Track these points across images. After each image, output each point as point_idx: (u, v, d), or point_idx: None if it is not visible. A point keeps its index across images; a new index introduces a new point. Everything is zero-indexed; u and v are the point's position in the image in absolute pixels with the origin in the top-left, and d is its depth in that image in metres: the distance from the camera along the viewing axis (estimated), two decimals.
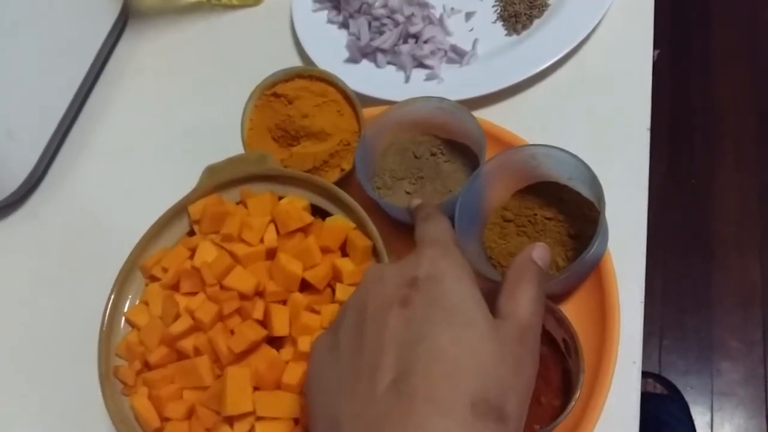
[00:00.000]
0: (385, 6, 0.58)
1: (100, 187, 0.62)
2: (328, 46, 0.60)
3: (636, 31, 0.54)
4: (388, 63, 0.58)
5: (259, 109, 0.50)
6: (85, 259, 0.58)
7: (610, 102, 0.52)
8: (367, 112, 0.54)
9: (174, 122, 0.63)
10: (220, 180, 0.47)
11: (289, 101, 0.49)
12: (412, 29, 0.57)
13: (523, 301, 0.30)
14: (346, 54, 0.59)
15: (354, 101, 0.49)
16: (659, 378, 1.16)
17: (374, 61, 0.58)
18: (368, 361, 0.28)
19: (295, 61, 0.62)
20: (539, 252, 0.32)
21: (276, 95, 0.50)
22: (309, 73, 0.50)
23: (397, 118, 0.48)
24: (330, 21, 0.62)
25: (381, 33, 0.58)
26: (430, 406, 0.25)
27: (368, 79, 0.57)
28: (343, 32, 0.61)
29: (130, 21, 0.72)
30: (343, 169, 0.49)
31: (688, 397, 1.20)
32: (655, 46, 0.55)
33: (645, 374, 0.56)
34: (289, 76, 0.50)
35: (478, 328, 0.27)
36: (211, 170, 0.48)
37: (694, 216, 1.34)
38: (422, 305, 0.28)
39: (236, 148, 0.50)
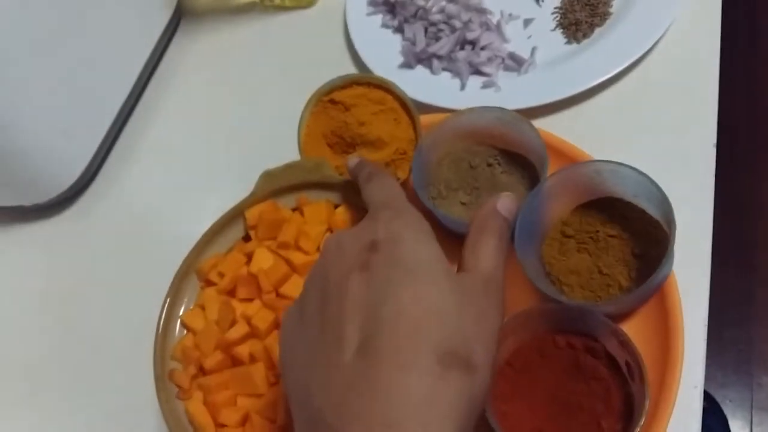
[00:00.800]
0: (442, 11, 0.57)
1: (152, 188, 0.63)
2: (383, 51, 0.60)
3: (702, 42, 0.53)
4: (444, 69, 0.57)
5: (315, 115, 0.50)
6: (136, 260, 0.58)
7: (675, 116, 0.50)
8: (422, 119, 0.54)
9: (227, 124, 0.64)
10: (277, 186, 0.47)
11: (346, 108, 0.49)
12: (470, 35, 0.56)
13: (484, 254, 0.30)
14: (400, 59, 0.59)
15: (411, 110, 0.48)
16: None
17: (429, 67, 0.57)
18: (333, 329, 0.28)
19: (349, 65, 0.62)
20: (504, 202, 0.32)
21: (333, 102, 0.49)
22: (366, 81, 0.49)
23: (455, 128, 0.47)
24: (385, 25, 0.61)
25: (437, 39, 0.57)
26: (397, 365, 0.25)
27: (423, 86, 0.56)
28: (398, 37, 0.60)
29: (182, 21, 0.72)
30: (398, 178, 0.48)
31: (727, 411, 1.18)
32: None
33: None
34: (347, 82, 0.49)
35: (439, 284, 0.27)
36: (267, 175, 0.48)
37: (736, 228, 1.30)
38: (382, 267, 0.28)
39: (291, 153, 0.50)
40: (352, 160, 0.42)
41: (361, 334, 0.27)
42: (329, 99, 0.50)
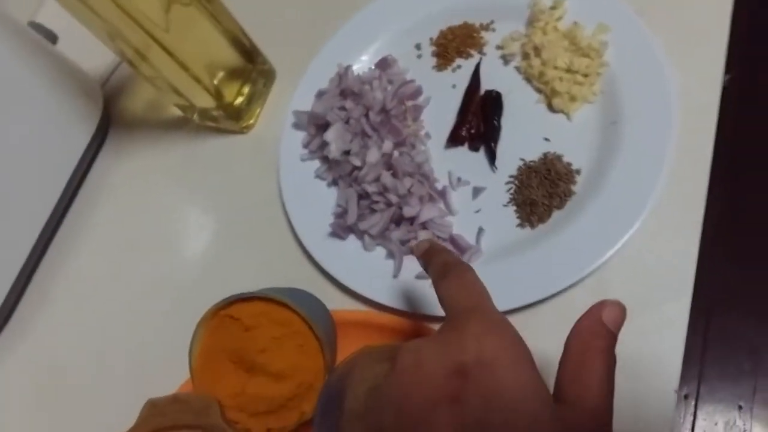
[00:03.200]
0: (377, 180, 0.49)
1: (62, 337, 0.57)
2: (313, 210, 0.52)
3: (681, 239, 0.44)
4: (378, 245, 0.49)
5: (212, 330, 0.43)
6: (47, 413, 0.53)
7: (643, 349, 0.42)
8: (342, 315, 0.47)
9: (140, 275, 0.57)
10: (160, 425, 0.41)
11: (245, 328, 0.42)
12: (407, 212, 0.48)
13: (592, 383, 0.25)
14: (331, 220, 0.51)
15: (320, 337, 0.41)
16: None
17: (362, 240, 0.50)
18: None
19: (277, 207, 0.55)
20: (611, 313, 0.27)
21: (232, 318, 0.42)
22: (270, 297, 0.42)
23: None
24: (319, 176, 0.54)
25: (372, 210, 0.49)
26: None
27: (351, 264, 0.49)
28: (332, 192, 0.53)
29: (110, 133, 0.65)
30: (303, 412, 0.42)
31: None
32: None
33: None
34: (248, 297, 0.42)
35: (543, 425, 0.23)
36: (152, 407, 0.42)
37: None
38: (475, 401, 0.24)
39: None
40: (422, 244, 0.36)
41: None
42: (228, 314, 0.43)
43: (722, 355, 1.23)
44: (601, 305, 0.27)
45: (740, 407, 1.24)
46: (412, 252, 0.38)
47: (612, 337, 0.26)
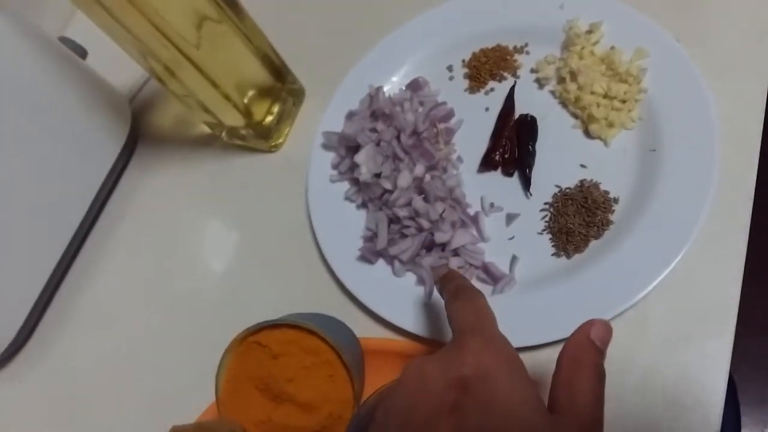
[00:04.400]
0: (408, 205, 0.48)
1: (83, 358, 0.56)
2: (342, 233, 0.51)
3: (725, 268, 0.43)
4: (408, 270, 0.48)
5: (240, 355, 0.42)
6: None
7: (682, 385, 0.41)
8: (370, 343, 0.46)
9: (167, 294, 0.56)
10: None
11: (273, 356, 0.41)
12: (439, 238, 0.47)
13: (583, 394, 0.27)
14: (360, 244, 0.50)
15: (350, 368, 0.40)
16: None
17: (392, 265, 0.49)
18: None
19: (305, 228, 0.54)
20: (599, 331, 0.29)
21: (260, 344, 0.41)
22: (300, 325, 0.41)
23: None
24: (348, 198, 0.53)
25: (402, 235, 0.48)
26: None
27: (381, 291, 0.48)
28: (362, 215, 0.52)
29: (138, 149, 0.65)
30: None
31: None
32: None
33: None
34: (277, 324, 0.41)
35: None
36: None
37: None
38: (474, 412, 0.26)
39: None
40: (440, 269, 0.39)
41: None
42: (255, 340, 0.42)
43: (751, 379, 1.20)
44: (589, 324, 0.29)
45: None
46: (433, 279, 0.39)
47: (599, 354, 0.28)
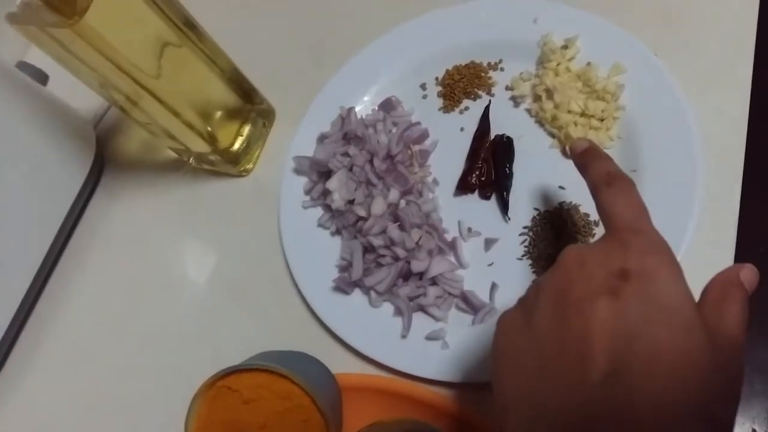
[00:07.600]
0: (383, 233, 0.46)
1: (52, 395, 0.54)
2: (315, 262, 0.49)
3: None
4: (386, 301, 0.47)
5: (210, 400, 0.40)
6: None
7: None
8: (347, 379, 0.44)
9: (130, 328, 0.54)
10: None
11: (245, 401, 0.39)
12: (416, 267, 0.45)
13: (732, 318, 0.27)
14: (335, 274, 0.48)
15: (325, 413, 0.38)
16: None
17: (368, 295, 0.47)
18: (575, 348, 0.26)
19: (278, 256, 0.52)
20: (748, 274, 0.28)
21: (230, 389, 0.40)
22: (271, 369, 0.39)
23: None
24: (321, 225, 0.51)
25: (378, 264, 0.46)
26: (655, 414, 0.24)
27: (358, 323, 0.46)
28: (336, 241, 0.50)
29: (102, 178, 0.63)
30: None
31: None
32: None
33: None
34: (248, 368, 0.40)
35: (695, 336, 0.25)
36: None
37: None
38: (635, 300, 0.26)
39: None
40: (580, 142, 0.37)
41: (608, 362, 0.25)
42: (225, 385, 0.40)
43: None
44: (738, 266, 0.29)
45: (754, 431, 1.21)
46: (572, 155, 0.37)
47: (746, 292, 0.28)
